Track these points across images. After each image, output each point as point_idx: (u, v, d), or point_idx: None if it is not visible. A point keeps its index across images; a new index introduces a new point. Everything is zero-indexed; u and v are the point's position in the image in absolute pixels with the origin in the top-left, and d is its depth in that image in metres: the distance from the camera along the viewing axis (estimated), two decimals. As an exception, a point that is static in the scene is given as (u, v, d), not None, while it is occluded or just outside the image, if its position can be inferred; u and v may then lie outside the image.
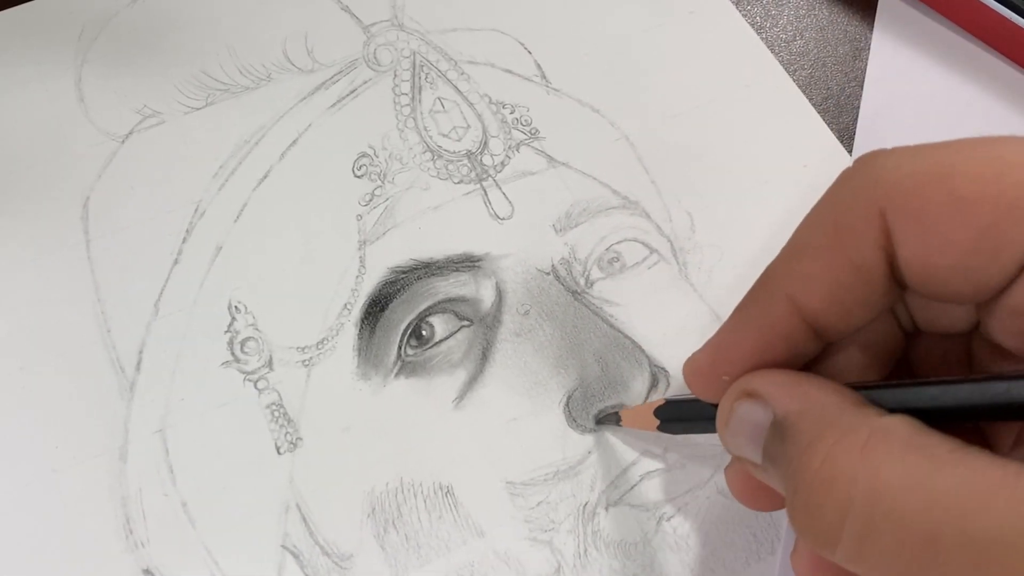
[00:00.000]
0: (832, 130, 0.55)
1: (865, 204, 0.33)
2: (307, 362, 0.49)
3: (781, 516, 0.46)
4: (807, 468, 0.31)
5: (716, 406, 0.37)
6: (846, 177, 0.35)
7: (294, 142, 0.54)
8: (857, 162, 0.34)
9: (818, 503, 0.30)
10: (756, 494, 0.40)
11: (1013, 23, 0.56)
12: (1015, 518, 0.27)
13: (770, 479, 0.35)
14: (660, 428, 0.43)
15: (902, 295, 0.36)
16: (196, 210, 0.52)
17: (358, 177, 0.53)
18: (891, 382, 0.33)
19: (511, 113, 0.55)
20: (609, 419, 0.47)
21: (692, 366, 0.38)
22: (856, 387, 0.33)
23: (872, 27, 0.60)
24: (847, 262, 0.34)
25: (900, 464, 0.29)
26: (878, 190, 0.33)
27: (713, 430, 0.38)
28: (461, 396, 0.48)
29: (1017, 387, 0.30)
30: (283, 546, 0.45)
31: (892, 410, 0.32)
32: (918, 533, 0.28)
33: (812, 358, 0.37)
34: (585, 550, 0.45)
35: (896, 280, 0.34)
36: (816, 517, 0.31)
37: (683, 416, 0.42)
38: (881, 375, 0.38)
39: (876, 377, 0.38)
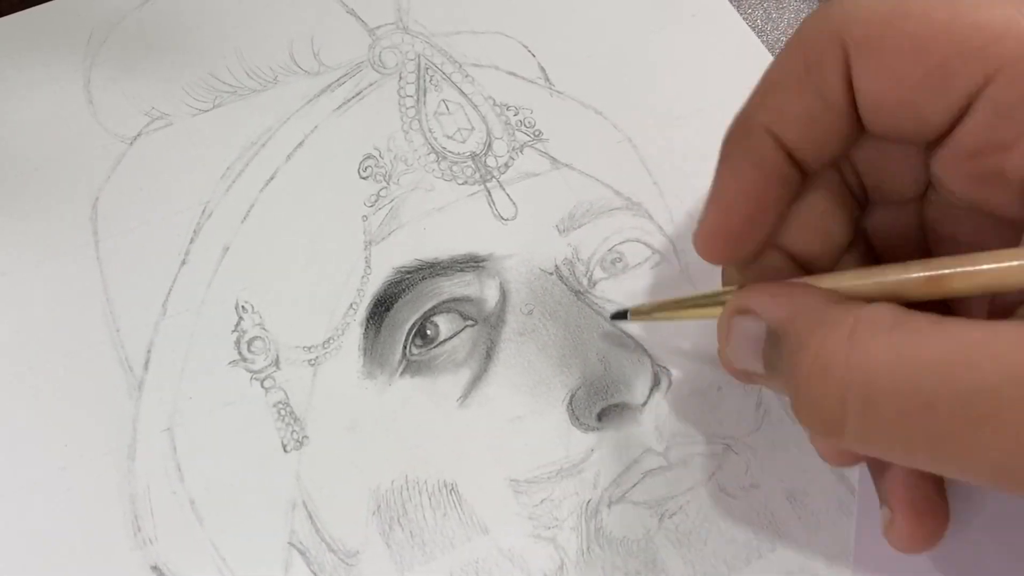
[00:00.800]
0: (832, 132, 0.55)
1: (829, 39, 0.35)
2: (313, 361, 0.49)
3: (783, 513, 0.46)
4: (802, 365, 0.32)
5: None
6: (812, 16, 0.36)
7: (300, 144, 0.54)
8: (822, 4, 0.37)
9: (818, 395, 0.32)
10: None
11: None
12: (998, 369, 0.28)
13: (774, 386, 0.37)
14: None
15: (852, 153, 0.38)
16: (204, 211, 0.52)
17: (363, 178, 0.53)
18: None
19: (515, 115, 0.55)
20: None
21: (704, 234, 0.40)
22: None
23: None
24: (816, 93, 0.35)
25: (887, 342, 0.30)
26: (841, 27, 0.34)
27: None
28: (466, 395, 0.48)
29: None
30: (290, 543, 0.45)
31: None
32: (914, 400, 0.29)
33: (797, 197, 0.39)
34: (588, 547, 0.45)
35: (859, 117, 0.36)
36: (819, 408, 0.32)
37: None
38: (846, 239, 0.41)
39: (843, 240, 0.40)
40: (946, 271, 0.34)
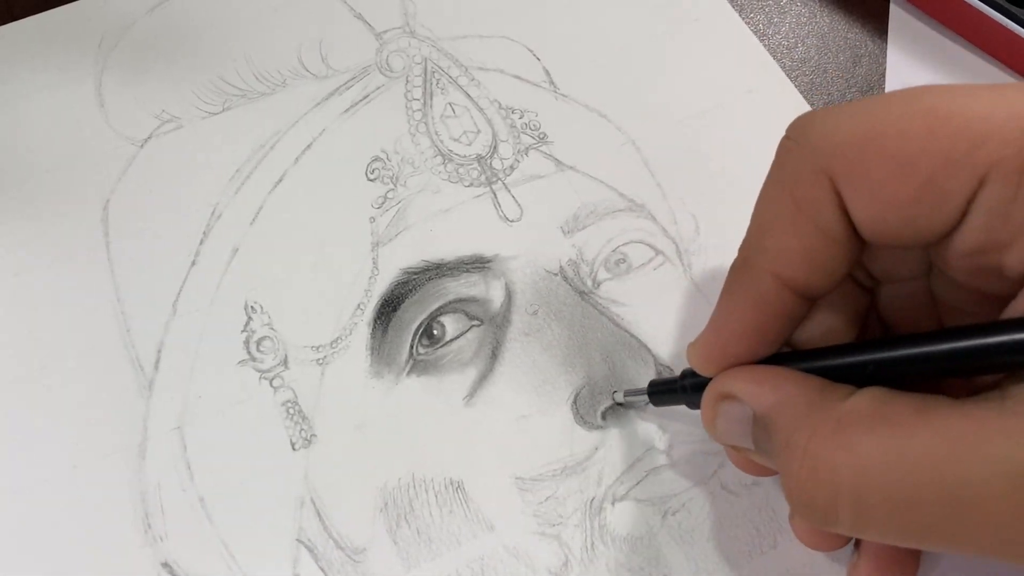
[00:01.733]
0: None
1: (813, 173, 0.34)
2: (321, 361, 0.49)
3: (785, 513, 0.46)
4: (791, 466, 0.33)
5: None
6: (789, 148, 0.36)
7: (309, 146, 0.54)
8: (792, 129, 0.36)
9: (810, 494, 0.32)
10: (824, 538, 0.43)
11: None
12: (982, 461, 0.28)
13: (767, 464, 0.37)
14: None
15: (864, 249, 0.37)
16: (213, 212, 0.52)
17: (371, 180, 0.53)
18: (851, 346, 0.36)
19: (520, 118, 0.55)
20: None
21: (699, 350, 0.40)
22: (827, 353, 0.36)
23: (871, 35, 0.60)
24: (813, 229, 0.35)
25: (873, 439, 0.31)
26: (821, 158, 0.34)
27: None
28: (471, 394, 0.48)
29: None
30: (298, 540, 0.45)
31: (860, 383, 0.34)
32: (903, 497, 0.30)
33: (803, 318, 0.39)
34: (592, 544, 0.45)
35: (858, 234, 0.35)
36: (812, 504, 0.32)
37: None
38: (856, 329, 0.40)
39: (852, 332, 0.40)
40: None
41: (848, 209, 0.34)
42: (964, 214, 0.33)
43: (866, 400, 0.32)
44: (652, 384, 0.46)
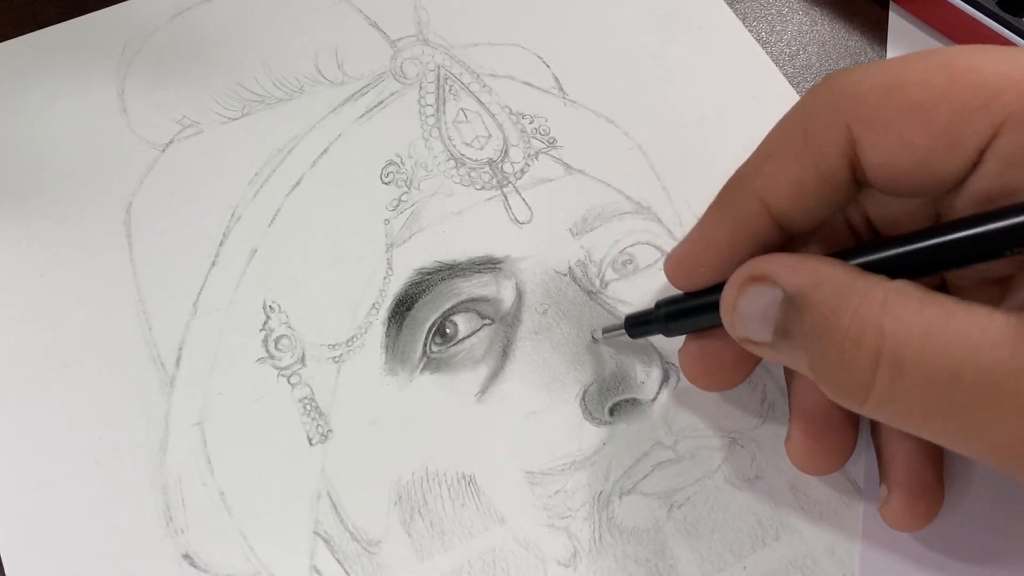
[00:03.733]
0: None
1: (831, 116, 0.35)
2: (337, 359, 0.49)
3: (787, 504, 0.46)
4: (837, 328, 0.33)
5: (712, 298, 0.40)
6: (814, 91, 0.37)
7: (325, 150, 0.54)
8: (825, 79, 0.37)
9: (850, 357, 0.32)
10: (710, 373, 0.44)
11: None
12: (1019, 357, 0.29)
13: (780, 353, 0.37)
14: (664, 330, 0.45)
15: (859, 196, 0.39)
16: (232, 215, 0.52)
17: (385, 184, 0.53)
18: (876, 245, 0.36)
19: (530, 123, 0.55)
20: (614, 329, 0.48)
21: (673, 260, 0.41)
22: (850, 253, 0.36)
23: (871, 43, 0.60)
24: (813, 167, 0.36)
25: (919, 315, 0.31)
26: (844, 104, 0.35)
27: (709, 323, 0.41)
28: (483, 391, 0.48)
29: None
30: (315, 532, 0.45)
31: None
32: (942, 370, 0.30)
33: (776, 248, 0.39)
34: (600, 536, 0.45)
35: (857, 182, 0.36)
36: (848, 370, 0.33)
37: (682, 313, 0.44)
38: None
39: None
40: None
41: (863, 155, 0.35)
42: (977, 163, 0.34)
43: (910, 286, 0.32)
44: (629, 317, 0.47)
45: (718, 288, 0.40)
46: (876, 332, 0.32)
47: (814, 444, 0.42)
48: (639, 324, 0.47)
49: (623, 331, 0.47)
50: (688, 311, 0.43)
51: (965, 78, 0.33)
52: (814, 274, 0.35)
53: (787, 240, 0.39)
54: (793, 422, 0.43)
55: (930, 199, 0.39)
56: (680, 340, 0.45)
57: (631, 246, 0.52)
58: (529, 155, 0.54)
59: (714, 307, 0.40)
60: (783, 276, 0.35)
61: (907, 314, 0.31)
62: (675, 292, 0.43)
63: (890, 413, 0.33)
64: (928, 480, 0.41)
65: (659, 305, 0.44)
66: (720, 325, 0.40)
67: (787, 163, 0.37)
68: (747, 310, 0.37)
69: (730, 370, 0.43)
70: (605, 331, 0.48)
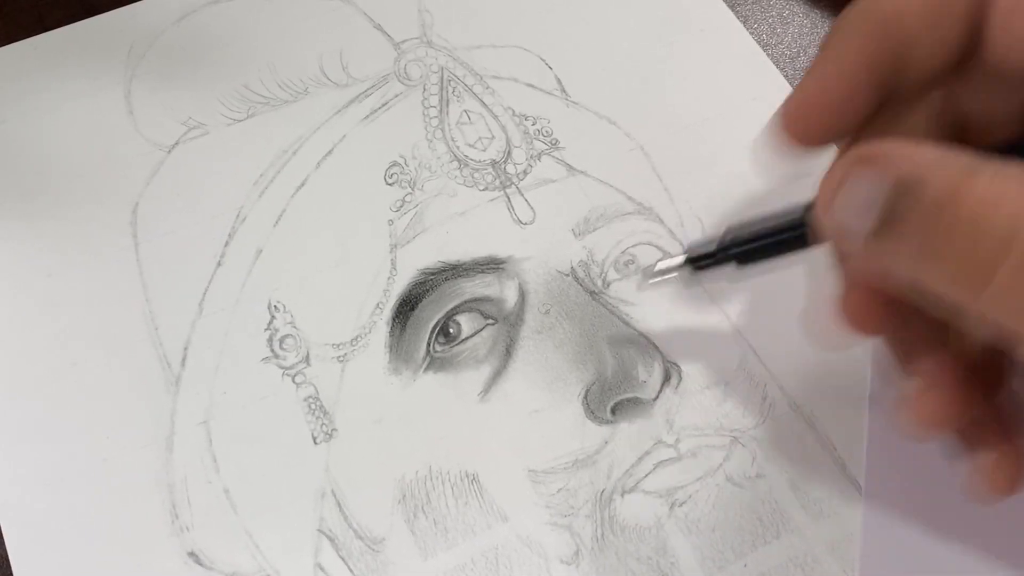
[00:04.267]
0: (834, 140, 0.55)
1: None
2: (342, 358, 0.49)
3: (787, 502, 0.46)
4: (962, 204, 0.29)
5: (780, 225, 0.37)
6: None
7: (330, 152, 0.54)
8: None
9: (975, 237, 0.28)
10: (869, 314, 0.37)
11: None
12: None
13: (880, 243, 0.32)
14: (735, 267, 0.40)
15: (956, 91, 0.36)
16: (238, 216, 0.53)
17: (389, 185, 0.53)
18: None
19: (533, 125, 0.55)
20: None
21: (791, 108, 0.36)
22: None
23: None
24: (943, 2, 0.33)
25: None
26: None
27: (789, 247, 0.37)
28: (486, 390, 0.48)
29: None
30: (319, 530, 0.45)
31: None
32: None
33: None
34: (602, 534, 0.45)
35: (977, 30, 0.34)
36: (972, 250, 0.29)
37: (757, 236, 0.39)
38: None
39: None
40: None
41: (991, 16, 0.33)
42: None
43: None
44: (691, 250, 0.42)
45: (790, 213, 0.37)
46: (1013, 202, 0.28)
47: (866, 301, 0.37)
48: (702, 259, 0.41)
49: (675, 272, 0.42)
50: (764, 234, 0.38)
51: None
52: (933, 155, 0.31)
53: (888, 96, 0.35)
54: (1001, 453, 0.38)
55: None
56: (683, 343, 0.45)
57: (633, 246, 0.52)
58: (532, 156, 0.54)
59: (794, 225, 0.37)
60: (899, 157, 0.31)
61: None
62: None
63: (1009, 305, 0.29)
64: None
65: (727, 232, 0.40)
66: (795, 248, 0.37)
67: None
68: (850, 196, 0.32)
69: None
70: (656, 272, 0.43)
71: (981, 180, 0.28)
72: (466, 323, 0.49)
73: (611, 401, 0.47)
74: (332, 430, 0.47)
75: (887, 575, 0.44)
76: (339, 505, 0.46)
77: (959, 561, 0.44)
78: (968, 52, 0.34)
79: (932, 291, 0.31)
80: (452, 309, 0.49)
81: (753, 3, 0.61)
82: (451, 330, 0.49)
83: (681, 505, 0.45)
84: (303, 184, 0.54)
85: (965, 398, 0.36)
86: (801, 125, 0.36)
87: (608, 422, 0.47)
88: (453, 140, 0.55)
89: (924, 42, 0.34)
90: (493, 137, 0.55)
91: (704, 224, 0.52)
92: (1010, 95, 0.36)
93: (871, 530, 0.45)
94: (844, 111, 0.35)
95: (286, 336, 0.49)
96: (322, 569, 0.44)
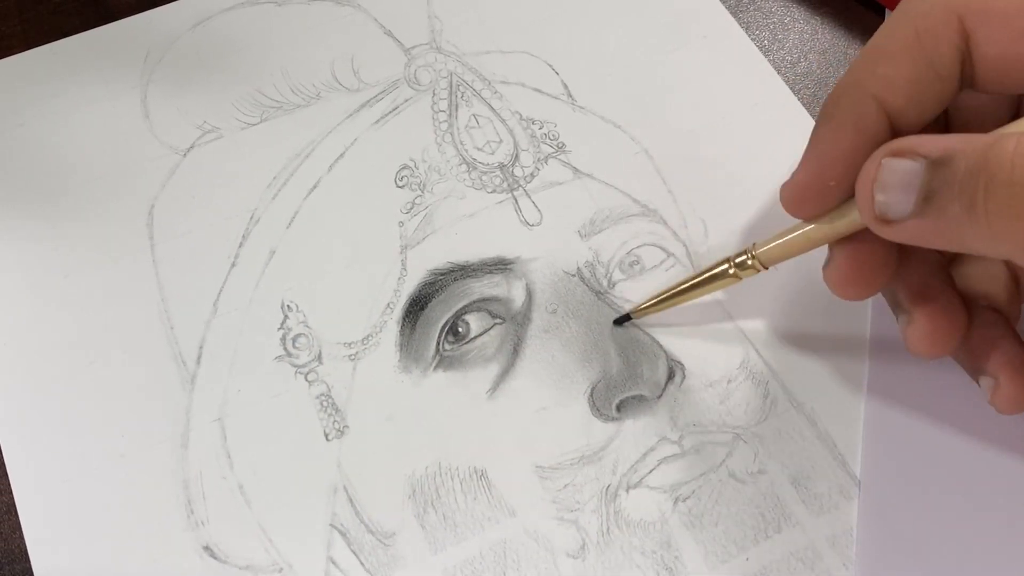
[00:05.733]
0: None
1: (943, 11, 0.35)
2: (353, 356, 0.49)
3: (788, 497, 0.46)
4: (997, 159, 0.30)
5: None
6: None
7: (341, 155, 0.54)
8: None
9: (1017, 184, 0.30)
10: (862, 273, 0.40)
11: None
12: None
13: (924, 220, 0.33)
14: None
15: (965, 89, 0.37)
16: (251, 217, 0.53)
17: (400, 187, 0.53)
18: None
19: (540, 129, 0.55)
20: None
21: (796, 185, 0.39)
22: None
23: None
24: (926, 63, 0.35)
25: None
26: None
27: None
28: (494, 387, 0.48)
29: None
30: (331, 525, 0.45)
31: None
32: None
33: None
34: (608, 528, 0.45)
35: (962, 80, 0.35)
36: (1013, 201, 0.30)
37: None
38: None
39: None
40: None
41: (976, 49, 0.34)
42: None
43: None
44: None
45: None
46: None
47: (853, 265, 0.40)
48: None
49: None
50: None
51: None
52: (957, 136, 0.32)
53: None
54: (1002, 376, 0.41)
55: (1011, 100, 0.38)
56: (686, 342, 0.45)
57: (638, 247, 0.52)
58: (539, 159, 0.54)
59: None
60: (927, 145, 0.33)
61: None
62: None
63: None
64: None
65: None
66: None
67: (901, 62, 0.36)
68: (889, 180, 0.34)
69: (877, 271, 0.40)
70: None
71: (1008, 143, 0.30)
72: (475, 322, 0.49)
73: (616, 399, 0.47)
74: (344, 427, 0.47)
75: (883, 568, 0.44)
76: (351, 500, 0.46)
77: (955, 555, 0.44)
78: (955, 92, 0.36)
79: (979, 251, 0.32)
80: (461, 309, 0.49)
81: (755, 10, 0.61)
82: (460, 329, 0.49)
83: (685, 500, 0.45)
84: (315, 186, 0.54)
85: (958, 320, 0.40)
86: (808, 206, 0.39)
87: (613, 419, 0.47)
88: (462, 144, 0.55)
89: (912, 111, 0.36)
90: (501, 141, 0.55)
91: (707, 225, 0.52)
92: (985, 104, 0.39)
93: (867, 523, 0.45)
94: (842, 188, 0.37)
95: (299, 335, 0.49)
96: (334, 563, 0.44)
